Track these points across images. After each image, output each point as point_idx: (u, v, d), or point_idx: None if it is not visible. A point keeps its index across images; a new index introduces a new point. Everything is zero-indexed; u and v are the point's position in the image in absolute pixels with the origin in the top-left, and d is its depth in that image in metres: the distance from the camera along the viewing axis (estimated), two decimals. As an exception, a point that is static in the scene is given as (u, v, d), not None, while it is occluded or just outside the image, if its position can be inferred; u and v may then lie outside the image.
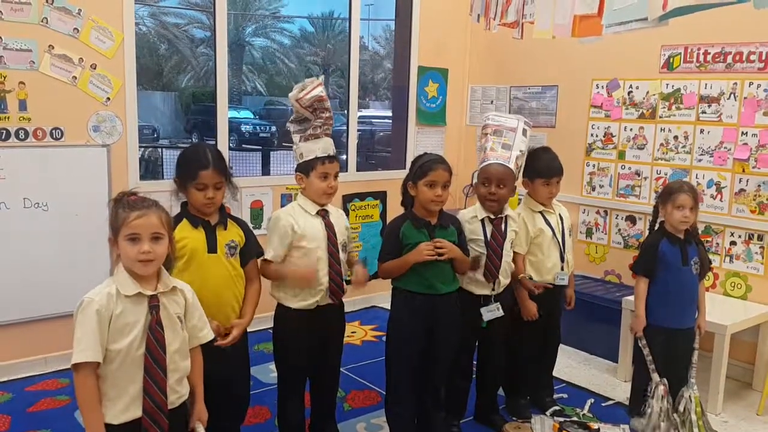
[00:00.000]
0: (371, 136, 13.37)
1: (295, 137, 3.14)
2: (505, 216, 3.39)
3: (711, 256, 4.40)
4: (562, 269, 3.63)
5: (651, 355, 3.43)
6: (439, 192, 3.05)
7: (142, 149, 11.53)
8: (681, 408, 3.43)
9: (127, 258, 2.10)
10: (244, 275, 2.88)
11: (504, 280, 3.38)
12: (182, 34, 26.44)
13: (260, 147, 17.11)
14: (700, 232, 4.39)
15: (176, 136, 21.71)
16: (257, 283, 2.96)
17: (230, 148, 19.40)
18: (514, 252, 3.47)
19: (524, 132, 3.44)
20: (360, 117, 16.77)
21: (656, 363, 3.43)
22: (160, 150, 13.89)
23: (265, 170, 13.01)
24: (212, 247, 2.74)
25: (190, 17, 26.74)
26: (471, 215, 3.36)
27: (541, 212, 3.61)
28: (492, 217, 3.35)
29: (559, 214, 3.68)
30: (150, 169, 11.55)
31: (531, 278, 3.54)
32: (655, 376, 3.41)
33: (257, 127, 20.22)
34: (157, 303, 2.14)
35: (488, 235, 3.33)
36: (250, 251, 2.91)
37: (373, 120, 14.76)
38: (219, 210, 2.82)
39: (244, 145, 18.11)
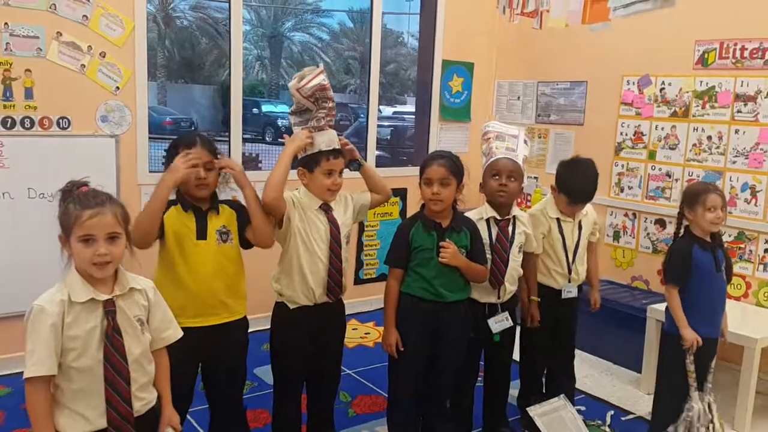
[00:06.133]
0: (404, 132, 13.28)
1: (296, 129, 3.00)
2: (513, 217, 3.20)
3: (744, 264, 4.21)
4: (569, 281, 3.47)
5: (695, 372, 3.19)
6: (435, 189, 2.86)
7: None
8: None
9: (81, 260, 1.95)
10: (238, 263, 2.78)
11: (510, 287, 3.19)
12: (223, 29, 26.64)
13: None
14: (732, 238, 4.19)
15: (214, 128, 21.86)
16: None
17: (267, 142, 19.35)
18: (525, 252, 3.28)
19: (525, 142, 3.31)
20: (395, 113, 16.67)
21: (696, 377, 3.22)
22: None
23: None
24: (202, 233, 2.64)
25: (231, 11, 26.92)
26: (477, 217, 3.17)
27: (557, 219, 3.44)
28: (498, 218, 3.16)
29: (579, 222, 3.49)
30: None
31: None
32: (696, 396, 3.20)
33: (289, 120, 20.21)
34: (114, 308, 1.99)
35: (493, 238, 3.14)
36: (244, 226, 2.77)
37: (405, 116, 14.67)
38: (211, 196, 2.72)
39: (280, 140, 18.11)
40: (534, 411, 3.37)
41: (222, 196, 2.81)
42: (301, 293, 2.87)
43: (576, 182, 3.38)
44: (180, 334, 2.23)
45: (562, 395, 3.48)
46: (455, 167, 2.92)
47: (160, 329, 2.15)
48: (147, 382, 2.09)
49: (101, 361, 1.95)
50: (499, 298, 3.16)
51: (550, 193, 3.52)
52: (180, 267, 2.62)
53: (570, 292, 3.47)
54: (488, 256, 3.10)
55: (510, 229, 3.18)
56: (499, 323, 3.16)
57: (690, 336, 3.16)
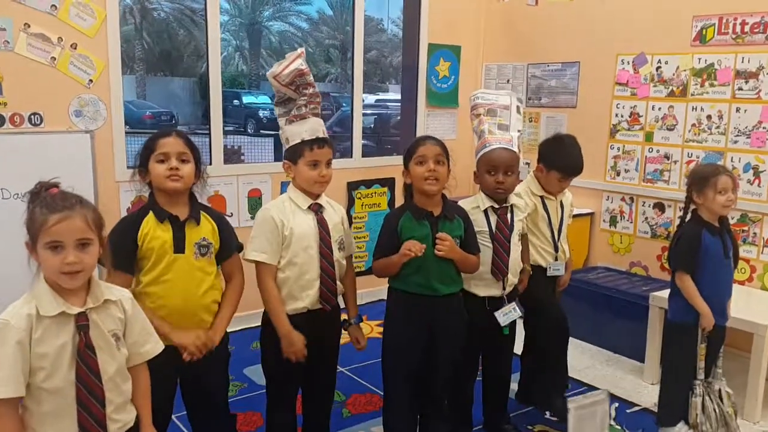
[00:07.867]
0: (388, 120, 13.11)
1: (281, 121, 2.82)
2: (511, 205, 3.05)
3: (748, 247, 4.10)
4: (556, 259, 3.43)
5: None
6: (431, 167, 2.69)
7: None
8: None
9: (48, 269, 1.77)
10: (219, 279, 2.55)
11: (513, 277, 3.03)
12: (200, 19, 26.26)
13: (276, 132, 16.93)
14: (735, 220, 4.07)
15: (194, 122, 21.56)
16: (237, 278, 2.61)
17: (249, 134, 19.12)
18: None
19: (518, 109, 3.15)
20: (377, 101, 16.52)
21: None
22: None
23: (277, 156, 12.77)
24: (179, 246, 2.40)
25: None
26: (472, 205, 3.00)
27: (541, 197, 3.36)
28: (496, 206, 3.00)
29: (561, 202, 3.44)
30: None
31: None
32: (700, 385, 3.20)
33: (274, 112, 19.98)
34: (86, 322, 1.80)
35: (493, 227, 2.98)
36: (226, 248, 2.56)
37: (389, 104, 14.50)
38: (190, 202, 2.48)
39: (262, 131, 17.86)
40: (573, 404, 3.20)
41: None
42: (291, 304, 2.69)
43: (566, 156, 3.35)
44: (161, 347, 2.04)
45: (606, 390, 3.32)
46: (446, 149, 2.78)
47: (138, 343, 1.96)
48: (123, 403, 1.90)
49: (73, 381, 1.77)
50: (504, 289, 3.01)
51: (531, 174, 3.45)
52: (154, 282, 2.39)
53: (557, 269, 3.43)
54: (489, 246, 2.95)
55: (509, 216, 3.03)
56: (506, 315, 3.00)
57: (706, 324, 3.10)
